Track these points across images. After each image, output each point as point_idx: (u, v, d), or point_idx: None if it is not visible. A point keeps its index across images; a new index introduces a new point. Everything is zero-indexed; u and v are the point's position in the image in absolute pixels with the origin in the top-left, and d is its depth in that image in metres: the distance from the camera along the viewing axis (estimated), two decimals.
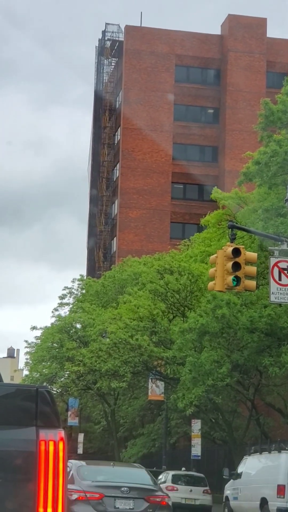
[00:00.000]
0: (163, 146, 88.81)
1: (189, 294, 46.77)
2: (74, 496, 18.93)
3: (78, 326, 60.52)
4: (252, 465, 32.51)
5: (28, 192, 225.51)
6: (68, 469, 15.73)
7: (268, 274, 28.90)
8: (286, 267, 27.19)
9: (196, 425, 49.38)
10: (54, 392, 58.29)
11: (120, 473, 20.94)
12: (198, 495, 42.26)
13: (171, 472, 44.34)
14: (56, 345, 59.29)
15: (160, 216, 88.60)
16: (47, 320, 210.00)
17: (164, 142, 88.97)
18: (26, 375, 65.76)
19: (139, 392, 58.95)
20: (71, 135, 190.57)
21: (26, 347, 64.66)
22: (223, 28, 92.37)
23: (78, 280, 68.13)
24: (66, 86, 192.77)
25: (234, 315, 39.43)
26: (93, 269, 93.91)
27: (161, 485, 42.52)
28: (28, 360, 63.77)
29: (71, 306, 65.91)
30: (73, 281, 67.76)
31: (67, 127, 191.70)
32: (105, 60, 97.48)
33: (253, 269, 25.16)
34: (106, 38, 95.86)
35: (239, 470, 33.74)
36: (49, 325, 62.90)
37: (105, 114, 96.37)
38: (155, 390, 53.45)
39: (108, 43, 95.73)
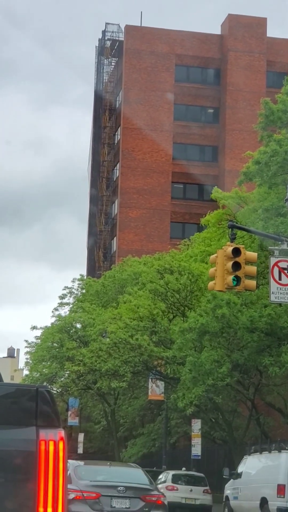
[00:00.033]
0: (163, 146, 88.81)
1: (189, 293, 46.77)
2: (71, 496, 19.06)
3: (78, 326, 60.53)
4: (252, 464, 32.51)
5: (28, 192, 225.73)
6: None
7: (268, 274, 28.90)
8: (286, 266, 27.19)
9: (196, 425, 49.37)
10: (54, 391, 58.31)
11: (116, 473, 21.23)
12: (198, 494, 42.24)
13: (171, 472, 44.33)
14: (56, 345, 59.30)
15: (160, 216, 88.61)
16: (47, 320, 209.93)
17: (164, 141, 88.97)
18: (26, 375, 65.79)
19: (139, 392, 58.95)
20: (71, 135, 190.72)
21: (26, 346, 64.78)
22: (223, 27, 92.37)
23: (78, 280, 68.17)
24: (66, 86, 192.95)
25: (234, 315, 39.42)
26: (93, 269, 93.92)
27: (161, 485, 42.72)
28: (28, 360, 63.82)
29: (71, 306, 65.93)
30: (73, 281, 67.86)
31: (67, 127, 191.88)
32: (105, 60, 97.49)
33: (253, 269, 25.15)
34: (106, 38, 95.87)
35: (239, 469, 33.73)
36: (49, 325, 62.98)
37: (105, 114, 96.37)
38: (155, 389, 53.45)
39: (108, 43, 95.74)
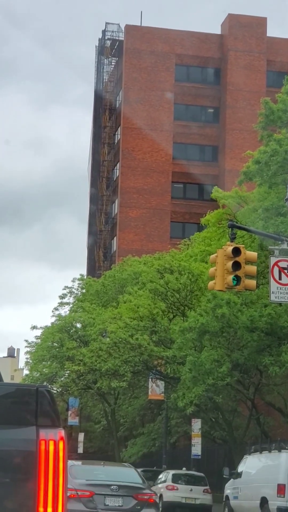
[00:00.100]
0: (163, 146, 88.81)
1: (189, 293, 46.77)
2: None
3: (78, 325, 60.54)
4: (252, 464, 32.51)
5: (28, 192, 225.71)
6: None
7: (268, 274, 28.90)
8: (286, 266, 27.20)
9: (196, 425, 49.37)
10: (54, 391, 58.33)
11: (110, 472, 21.93)
12: (198, 494, 42.24)
13: (171, 472, 44.33)
14: (56, 344, 59.32)
15: (160, 216, 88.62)
16: (47, 320, 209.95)
17: (164, 141, 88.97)
18: (26, 375, 65.81)
19: (139, 391, 58.95)
20: (71, 135, 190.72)
21: (26, 346, 64.80)
22: (223, 27, 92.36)
23: (78, 279, 68.18)
24: (66, 86, 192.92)
25: (234, 315, 39.42)
26: (93, 268, 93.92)
27: (161, 484, 42.77)
28: (28, 360, 63.84)
29: (71, 305, 65.94)
30: (73, 281, 67.88)
31: (67, 127, 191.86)
32: (105, 60, 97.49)
33: (253, 269, 25.14)
34: (106, 38, 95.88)
35: (239, 469, 33.74)
36: (49, 324, 63.00)
37: (105, 114, 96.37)
38: (155, 389, 53.45)
39: (108, 43, 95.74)
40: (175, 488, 41.99)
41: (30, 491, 5.83)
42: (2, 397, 6.01)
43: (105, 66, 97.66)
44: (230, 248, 24.26)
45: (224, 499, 35.60)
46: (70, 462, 21.63)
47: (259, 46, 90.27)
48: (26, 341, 65.71)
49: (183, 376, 41.71)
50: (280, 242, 28.03)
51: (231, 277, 24.13)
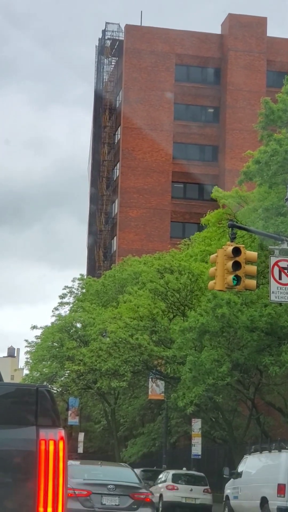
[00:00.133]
0: (163, 145, 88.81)
1: (189, 293, 46.76)
2: None
3: (78, 325, 60.54)
4: (252, 464, 32.50)
5: (28, 191, 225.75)
6: None
7: (268, 273, 28.90)
8: (286, 266, 27.20)
9: (197, 424, 49.36)
10: (54, 391, 58.32)
11: (107, 472, 22.32)
12: (198, 494, 42.24)
13: (172, 471, 44.32)
14: (56, 344, 59.31)
15: (160, 215, 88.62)
16: (48, 320, 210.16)
17: (164, 141, 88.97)
18: (26, 375, 65.81)
19: (139, 391, 58.95)
20: (71, 135, 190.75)
21: (26, 346, 64.80)
22: (223, 27, 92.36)
23: (78, 279, 68.17)
24: (66, 86, 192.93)
25: (234, 314, 39.42)
26: (93, 268, 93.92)
27: (161, 484, 42.78)
28: (28, 360, 63.84)
29: (71, 305, 65.93)
30: (73, 281, 67.87)
31: (67, 127, 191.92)
32: (105, 60, 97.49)
33: (253, 268, 25.13)
34: (106, 38, 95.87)
35: (240, 469, 33.73)
36: (49, 324, 63.00)
37: (105, 114, 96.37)
38: (155, 389, 53.45)
39: (108, 43, 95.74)
40: (175, 488, 41.98)
41: (30, 491, 5.83)
42: (2, 397, 6.01)
43: (105, 66, 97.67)
44: (230, 248, 24.26)
45: (224, 499, 35.60)
46: (68, 462, 21.83)
47: (259, 46, 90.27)
48: (26, 341, 65.79)
49: (183, 376, 41.70)
50: (280, 242, 28.03)
51: (231, 277, 24.13)
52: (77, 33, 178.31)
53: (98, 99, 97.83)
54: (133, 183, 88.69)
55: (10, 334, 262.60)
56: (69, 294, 66.54)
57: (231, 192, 43.48)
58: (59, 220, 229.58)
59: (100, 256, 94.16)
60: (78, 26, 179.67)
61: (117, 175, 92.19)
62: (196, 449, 49.45)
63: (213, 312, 39.25)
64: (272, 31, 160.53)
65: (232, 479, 34.36)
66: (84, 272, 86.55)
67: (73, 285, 67.34)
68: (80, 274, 69.74)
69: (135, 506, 20.57)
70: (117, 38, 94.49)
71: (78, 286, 67.56)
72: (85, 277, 70.70)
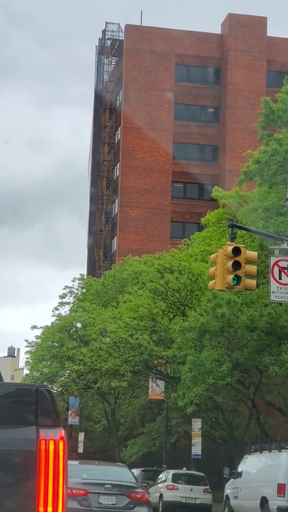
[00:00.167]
0: (163, 145, 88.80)
1: (189, 293, 46.76)
2: None
3: (79, 325, 60.53)
4: (252, 464, 32.50)
5: (29, 191, 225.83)
6: None
7: (268, 273, 28.90)
8: (286, 266, 27.20)
9: (197, 424, 49.36)
10: (55, 391, 58.31)
11: (104, 472, 22.64)
12: (198, 494, 42.24)
13: (172, 471, 44.32)
14: (56, 344, 59.31)
15: (161, 215, 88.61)
16: (48, 319, 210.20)
17: (164, 141, 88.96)
18: (27, 374, 65.82)
19: (139, 391, 58.95)
20: (71, 135, 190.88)
21: (26, 346, 64.81)
22: (223, 27, 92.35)
23: (79, 279, 68.17)
24: (67, 86, 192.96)
25: (234, 314, 39.41)
26: (93, 268, 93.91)
27: (161, 484, 42.79)
28: (28, 359, 63.85)
29: (71, 305, 65.93)
30: (73, 280, 67.87)
31: (68, 127, 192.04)
32: (105, 59, 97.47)
33: (253, 268, 25.14)
34: (106, 37, 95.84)
35: (240, 469, 33.73)
36: (49, 324, 63.01)
37: (105, 113, 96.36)
38: (156, 389, 53.45)
39: (108, 42, 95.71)
40: (175, 487, 41.98)
41: (30, 490, 5.83)
42: (2, 397, 6.01)
43: (105, 66, 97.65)
44: (230, 248, 24.26)
45: (224, 499, 35.60)
46: None
47: (259, 46, 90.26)
48: (26, 340, 65.78)
49: (183, 375, 41.70)
50: (280, 241, 28.03)
51: (231, 276, 24.14)
52: (77, 33, 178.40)
53: (98, 99, 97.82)
54: (133, 183, 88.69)
55: (10, 334, 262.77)
56: (69, 294, 66.59)
57: (231, 192, 43.47)
58: (59, 220, 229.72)
59: (100, 256, 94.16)
60: (78, 26, 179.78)
61: (117, 175, 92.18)
62: (196, 449, 49.45)
63: (213, 312, 39.25)
64: (272, 31, 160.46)
65: (232, 479, 34.36)
66: (84, 272, 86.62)
67: (73, 285, 67.42)
68: (80, 274, 69.80)
69: (132, 505, 20.89)
70: (117, 38, 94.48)
71: (78, 286, 67.59)
72: (85, 277, 70.70)
